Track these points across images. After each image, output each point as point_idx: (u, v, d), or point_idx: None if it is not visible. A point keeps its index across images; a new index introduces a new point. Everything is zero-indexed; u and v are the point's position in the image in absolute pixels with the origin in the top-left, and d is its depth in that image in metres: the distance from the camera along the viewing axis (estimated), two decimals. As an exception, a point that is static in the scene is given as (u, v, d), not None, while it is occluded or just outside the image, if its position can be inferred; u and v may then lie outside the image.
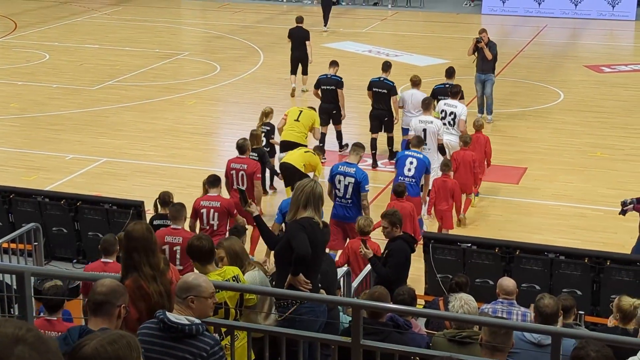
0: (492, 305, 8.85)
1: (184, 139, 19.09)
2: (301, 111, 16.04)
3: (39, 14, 34.31)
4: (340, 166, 12.79)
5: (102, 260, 9.86)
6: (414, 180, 13.38)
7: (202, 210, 11.97)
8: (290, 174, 13.86)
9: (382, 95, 17.16)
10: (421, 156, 13.62)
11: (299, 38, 22.39)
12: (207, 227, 11.92)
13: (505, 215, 15.28)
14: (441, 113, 15.93)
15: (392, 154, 17.26)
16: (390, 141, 17.53)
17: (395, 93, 17.13)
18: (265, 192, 15.32)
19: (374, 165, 17.24)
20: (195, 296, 5.84)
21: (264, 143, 15.11)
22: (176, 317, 5.57)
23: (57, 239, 13.40)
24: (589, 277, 11.19)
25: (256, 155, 14.05)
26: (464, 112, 15.97)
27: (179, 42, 30.19)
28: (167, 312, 5.60)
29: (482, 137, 15.69)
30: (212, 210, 11.94)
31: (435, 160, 14.80)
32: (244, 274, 7.69)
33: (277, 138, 15.95)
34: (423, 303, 11.14)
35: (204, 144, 18.92)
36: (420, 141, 14.09)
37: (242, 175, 13.18)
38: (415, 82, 17.01)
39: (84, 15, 34.44)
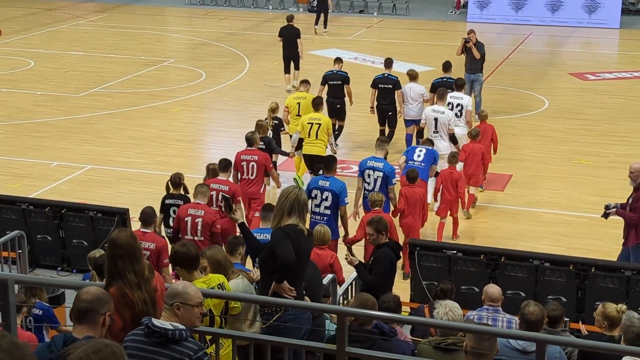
0: (477, 312, 8.86)
1: (169, 146, 19.06)
2: (299, 103, 16.88)
3: (24, 21, 34.22)
4: (369, 161, 13.44)
5: (142, 229, 10.79)
6: (423, 165, 14.08)
7: (211, 192, 12.40)
8: (314, 162, 15.31)
9: (387, 90, 17.96)
10: (431, 148, 14.52)
11: (290, 36, 23.18)
12: (216, 208, 12.43)
13: (490, 222, 15.31)
14: (448, 105, 16.44)
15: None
16: (390, 135, 17.90)
17: (400, 87, 17.88)
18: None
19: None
20: (181, 303, 5.82)
21: (270, 135, 15.62)
22: (161, 322, 5.55)
23: (42, 247, 13.33)
24: (574, 284, 11.22)
25: (262, 143, 14.58)
26: (469, 103, 17.03)
27: (165, 49, 30.16)
28: (152, 318, 5.59)
29: (488, 126, 16.47)
30: (220, 194, 12.44)
31: (447, 148, 15.63)
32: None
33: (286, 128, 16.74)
34: (409, 310, 11.16)
35: (189, 151, 18.89)
36: (430, 142, 14.92)
37: (253, 165, 13.82)
38: (413, 76, 17.88)
39: (69, 22, 34.37)
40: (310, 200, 12.28)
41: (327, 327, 8.33)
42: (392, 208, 13.11)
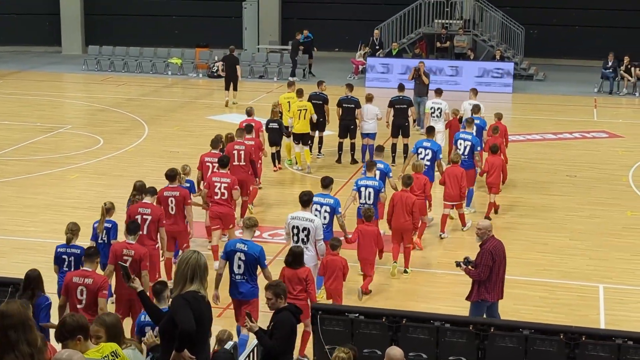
0: (379, 375, 8.84)
1: (66, 214, 18.68)
2: (289, 102, 22.28)
3: None
4: (461, 133, 19.32)
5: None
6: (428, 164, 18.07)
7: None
8: (302, 137, 21.83)
9: (402, 109, 22.76)
10: (428, 144, 18.50)
11: (231, 64, 30.50)
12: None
13: (391, 283, 15.39)
14: (430, 109, 22.63)
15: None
16: (405, 148, 22.31)
17: (412, 105, 23.12)
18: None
19: (392, 162, 22.04)
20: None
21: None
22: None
23: None
24: (474, 345, 11.31)
25: (277, 124, 21.41)
26: (447, 107, 22.49)
27: (61, 115, 29.77)
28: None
29: (501, 125, 20.90)
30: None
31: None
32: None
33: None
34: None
35: (87, 219, 18.37)
36: (431, 130, 19.42)
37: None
38: (369, 98, 22.66)
39: (-38, 88, 33.69)
40: (416, 155, 18.12)
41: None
42: (478, 169, 18.94)
